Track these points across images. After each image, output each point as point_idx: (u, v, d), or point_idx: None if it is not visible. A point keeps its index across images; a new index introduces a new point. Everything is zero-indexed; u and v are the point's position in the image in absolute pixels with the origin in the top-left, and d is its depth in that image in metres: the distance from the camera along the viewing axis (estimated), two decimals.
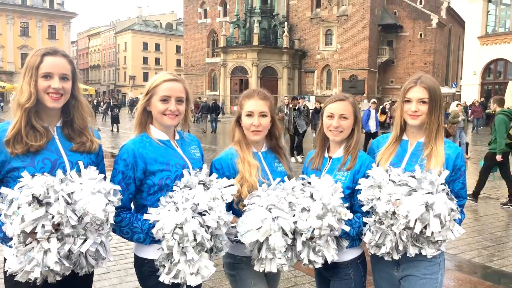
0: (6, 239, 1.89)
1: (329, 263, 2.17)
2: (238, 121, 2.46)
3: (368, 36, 42.25)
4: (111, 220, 1.88)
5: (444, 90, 38.17)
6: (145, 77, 72.88)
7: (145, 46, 78.75)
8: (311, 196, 2.11)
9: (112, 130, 23.13)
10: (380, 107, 16.50)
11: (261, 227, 2.02)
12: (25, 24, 57.54)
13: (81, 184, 1.85)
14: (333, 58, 44.23)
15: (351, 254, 2.37)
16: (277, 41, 44.01)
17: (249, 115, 2.38)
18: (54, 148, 2.03)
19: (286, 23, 43.85)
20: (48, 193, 1.73)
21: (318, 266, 2.16)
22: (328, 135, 2.42)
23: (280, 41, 43.61)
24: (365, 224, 2.24)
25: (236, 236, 2.11)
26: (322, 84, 45.37)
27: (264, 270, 2.11)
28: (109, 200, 1.88)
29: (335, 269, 2.35)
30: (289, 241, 2.06)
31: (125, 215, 2.13)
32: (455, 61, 54.36)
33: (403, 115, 2.33)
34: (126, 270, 4.56)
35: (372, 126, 14.49)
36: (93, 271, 2.07)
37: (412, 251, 2.10)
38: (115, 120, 23.26)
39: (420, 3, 47.14)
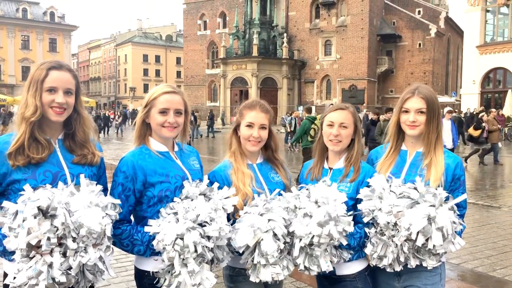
0: (6, 253, 1.87)
1: (327, 272, 2.13)
2: (236, 129, 2.45)
3: (367, 46, 42.44)
4: (108, 233, 1.85)
5: (444, 99, 38.31)
6: (145, 89, 73.12)
7: (145, 58, 79.19)
8: (316, 202, 2.08)
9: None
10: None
11: (252, 230, 2.02)
12: (26, 37, 57.95)
13: (77, 196, 1.83)
14: (333, 68, 44.37)
15: (357, 266, 2.30)
16: (276, 52, 44.20)
17: (250, 126, 2.37)
18: (55, 161, 2.03)
19: (285, 34, 44.09)
20: (55, 206, 1.72)
21: (313, 273, 2.12)
22: (328, 145, 2.40)
23: (279, 52, 43.78)
24: (366, 235, 2.21)
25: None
26: (322, 94, 45.47)
27: (260, 281, 2.07)
28: (106, 214, 1.86)
29: (341, 282, 2.28)
30: (281, 246, 2.04)
31: (125, 228, 2.12)
32: (454, 70, 54.55)
33: (402, 126, 2.33)
34: (127, 283, 4.53)
35: (448, 142, 11.04)
36: (93, 285, 2.05)
37: (413, 263, 2.08)
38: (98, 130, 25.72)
39: (419, 13, 47.46)
